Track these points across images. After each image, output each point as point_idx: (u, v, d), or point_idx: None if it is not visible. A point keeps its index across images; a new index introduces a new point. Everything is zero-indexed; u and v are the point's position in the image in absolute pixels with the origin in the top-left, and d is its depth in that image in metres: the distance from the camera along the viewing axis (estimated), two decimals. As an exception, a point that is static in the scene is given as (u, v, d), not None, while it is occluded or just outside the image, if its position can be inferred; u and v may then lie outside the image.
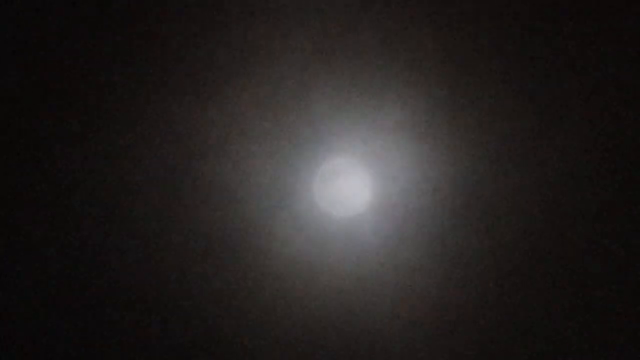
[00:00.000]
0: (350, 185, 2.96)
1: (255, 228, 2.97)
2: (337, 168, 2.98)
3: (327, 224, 2.94)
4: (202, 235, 2.97)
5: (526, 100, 2.88)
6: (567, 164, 2.88)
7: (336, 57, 3.02)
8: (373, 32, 3.00)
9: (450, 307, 2.90)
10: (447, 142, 2.94)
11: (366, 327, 2.91)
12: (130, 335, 2.95)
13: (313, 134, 2.99)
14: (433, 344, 2.89)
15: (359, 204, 2.93)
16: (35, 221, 3.01)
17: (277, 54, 3.02)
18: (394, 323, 2.91)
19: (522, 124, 2.90)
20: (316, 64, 3.01)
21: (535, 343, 2.88)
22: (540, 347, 2.86)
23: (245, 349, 2.94)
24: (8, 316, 2.99)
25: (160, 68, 3.02)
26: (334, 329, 2.91)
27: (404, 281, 2.93)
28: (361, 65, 3.01)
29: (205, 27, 3.01)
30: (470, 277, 2.89)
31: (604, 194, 2.85)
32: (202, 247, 2.97)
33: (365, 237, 2.92)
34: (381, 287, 2.94)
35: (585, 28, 2.82)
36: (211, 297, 2.99)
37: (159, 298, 2.97)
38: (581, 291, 2.86)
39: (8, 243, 3.00)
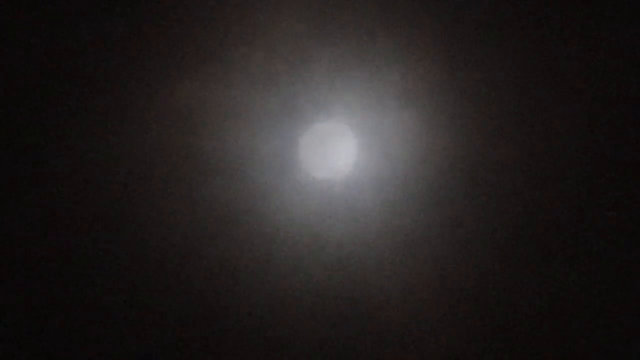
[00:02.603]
0: (345, 153, 3.04)
1: (256, 198, 3.04)
2: (331, 136, 3.07)
3: (326, 192, 3.04)
4: (203, 209, 3.06)
5: (523, 72, 2.97)
6: (563, 138, 2.96)
7: (331, 28, 3.10)
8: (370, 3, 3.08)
9: (448, 274, 2.99)
10: (441, 112, 3.03)
11: (364, 294, 3.00)
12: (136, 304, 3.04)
13: (309, 103, 3.07)
14: (430, 311, 2.97)
15: (355, 171, 3.04)
16: (30, 206, 3.07)
17: (272, 24, 3.10)
18: (392, 289, 2.99)
19: (518, 97, 2.99)
20: (311, 36, 3.09)
21: (536, 311, 2.96)
22: (542, 317, 2.95)
23: (242, 317, 3.04)
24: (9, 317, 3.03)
25: (152, 44, 3.09)
26: (332, 297, 3.00)
27: (400, 247, 3.03)
28: (357, 34, 3.10)
29: (200, 3, 3.08)
30: (465, 245, 2.97)
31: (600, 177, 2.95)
32: (202, 221, 3.05)
33: (362, 202, 3.01)
34: (379, 252, 3.04)
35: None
36: (213, 266, 3.07)
37: (163, 263, 3.05)
38: (581, 262, 2.94)
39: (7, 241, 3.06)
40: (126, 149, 3.10)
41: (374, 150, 3.06)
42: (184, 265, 3.06)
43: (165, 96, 3.10)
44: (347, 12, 3.10)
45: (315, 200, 3.05)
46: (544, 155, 2.94)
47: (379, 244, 3.04)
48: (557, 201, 2.95)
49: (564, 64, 2.98)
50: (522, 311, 2.92)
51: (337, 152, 3.08)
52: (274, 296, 3.08)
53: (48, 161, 3.09)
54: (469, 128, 3.02)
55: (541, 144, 2.94)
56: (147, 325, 3.05)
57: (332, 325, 3.00)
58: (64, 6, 3.11)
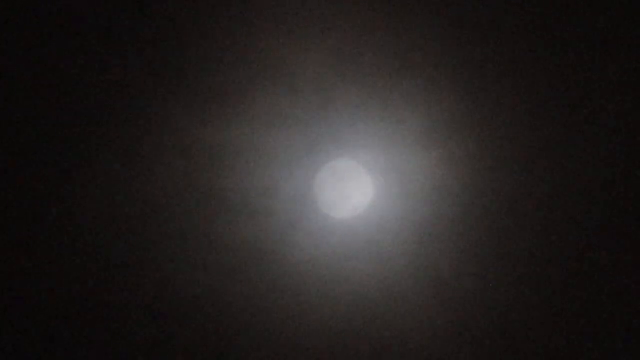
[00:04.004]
0: (367, 192, 3.00)
1: (277, 238, 3.04)
2: (352, 175, 3.04)
3: (345, 233, 3.03)
4: (217, 246, 3.04)
5: (536, 111, 2.95)
6: (573, 178, 2.92)
7: (352, 68, 3.07)
8: (388, 43, 3.05)
9: (472, 315, 2.99)
10: (462, 151, 3.01)
11: (385, 336, 3.02)
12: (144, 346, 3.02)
13: (330, 143, 3.04)
14: (437, 347, 2.96)
15: (376, 211, 3.01)
16: (39, 238, 3.05)
17: (293, 64, 3.06)
18: (415, 331, 3.00)
19: (530, 134, 2.97)
20: (332, 76, 3.06)
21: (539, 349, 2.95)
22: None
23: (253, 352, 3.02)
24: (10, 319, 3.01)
25: (175, 84, 3.05)
26: (346, 333, 2.99)
27: (423, 289, 3.02)
28: (378, 74, 3.07)
29: (220, 36, 3.04)
30: (475, 284, 2.96)
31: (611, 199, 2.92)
32: (224, 261, 3.04)
33: (383, 242, 2.99)
34: (402, 294, 3.02)
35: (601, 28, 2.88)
36: (236, 305, 3.07)
37: (172, 306, 3.05)
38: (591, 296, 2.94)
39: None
40: (148, 190, 3.08)
41: (395, 189, 3.04)
42: (206, 305, 3.07)
43: (187, 136, 3.07)
44: (368, 53, 3.07)
45: (336, 240, 3.03)
46: (568, 192, 2.92)
47: (401, 285, 3.03)
48: (580, 244, 2.94)
49: (583, 98, 2.96)
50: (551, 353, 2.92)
51: (358, 191, 3.04)
52: (296, 335, 3.06)
53: (68, 199, 3.08)
54: (489, 166, 3.00)
55: (565, 181, 2.92)
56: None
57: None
58: (86, 43, 3.08)
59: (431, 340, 3.04)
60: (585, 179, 2.91)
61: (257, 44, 3.05)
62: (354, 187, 3.05)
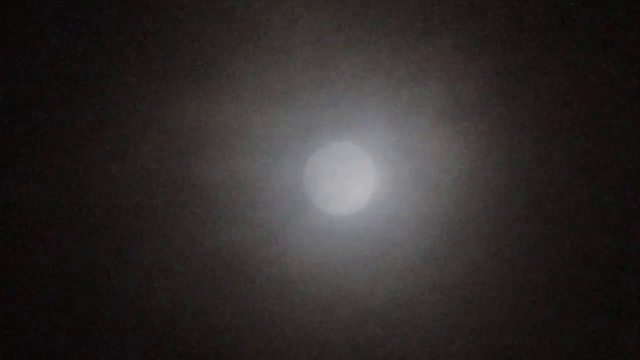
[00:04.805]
0: (367, 186, 2.90)
1: (261, 238, 2.91)
2: (351, 164, 2.90)
3: (344, 232, 2.91)
4: (194, 249, 2.92)
5: (538, 105, 2.84)
6: (574, 178, 2.88)
7: (354, 36, 2.82)
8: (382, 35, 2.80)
9: (479, 321, 2.95)
10: (479, 134, 2.87)
11: (372, 331, 2.95)
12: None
13: (326, 127, 2.89)
14: (436, 347, 2.95)
15: (378, 207, 2.90)
16: (21, 234, 2.94)
17: (284, 29, 2.83)
18: (398, 327, 2.95)
19: (532, 126, 2.86)
20: (331, 44, 2.83)
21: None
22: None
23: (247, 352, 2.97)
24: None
25: (137, 46, 2.85)
26: (339, 331, 2.95)
27: (408, 283, 2.94)
28: (384, 43, 2.83)
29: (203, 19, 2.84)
30: (473, 281, 2.92)
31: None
32: (193, 261, 2.93)
33: (382, 243, 2.92)
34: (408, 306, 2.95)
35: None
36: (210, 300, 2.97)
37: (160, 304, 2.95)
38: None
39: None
40: (113, 181, 2.90)
41: (405, 181, 2.89)
42: (182, 321, 2.96)
43: (157, 118, 2.88)
44: (375, 15, 2.81)
45: (334, 241, 2.91)
46: (574, 195, 2.88)
47: (412, 298, 2.94)
48: (569, 245, 2.90)
49: (583, 96, 2.83)
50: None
51: (360, 183, 2.89)
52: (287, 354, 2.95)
53: (25, 191, 2.91)
54: (513, 151, 2.88)
55: (574, 183, 2.87)
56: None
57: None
58: (45, 27, 2.85)
59: (435, 348, 2.97)
60: (600, 168, 2.87)
61: (240, 3, 2.82)
62: (355, 178, 2.90)
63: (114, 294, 2.93)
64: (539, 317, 2.93)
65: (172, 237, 2.89)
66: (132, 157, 2.87)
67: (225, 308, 2.93)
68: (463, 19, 2.80)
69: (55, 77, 2.86)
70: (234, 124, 2.87)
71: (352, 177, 2.89)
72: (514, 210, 2.87)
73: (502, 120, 2.86)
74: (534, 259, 2.90)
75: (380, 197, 2.88)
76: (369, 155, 2.87)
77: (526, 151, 2.86)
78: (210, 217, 2.88)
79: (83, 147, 2.87)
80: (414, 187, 2.87)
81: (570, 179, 2.87)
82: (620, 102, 2.83)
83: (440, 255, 2.90)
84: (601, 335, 2.91)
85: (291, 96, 2.86)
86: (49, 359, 2.97)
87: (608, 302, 2.91)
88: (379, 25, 2.81)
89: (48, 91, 2.88)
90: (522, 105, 2.86)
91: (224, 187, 2.88)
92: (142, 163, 2.87)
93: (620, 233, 2.87)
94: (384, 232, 2.89)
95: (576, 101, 2.84)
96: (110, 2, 2.83)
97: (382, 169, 2.88)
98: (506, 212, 2.87)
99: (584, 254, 2.91)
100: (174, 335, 2.97)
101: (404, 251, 2.89)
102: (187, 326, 2.96)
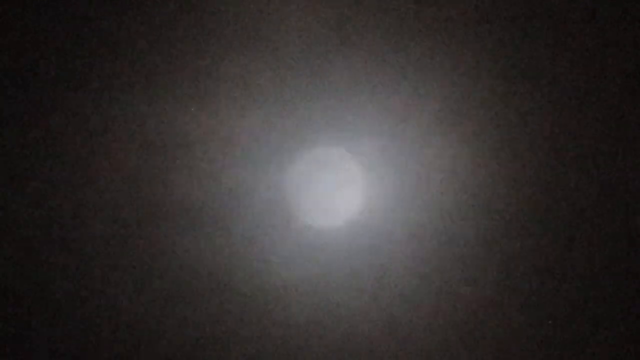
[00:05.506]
0: (357, 196, 2.85)
1: (240, 254, 2.82)
2: (339, 173, 2.86)
3: (331, 247, 2.84)
4: (166, 264, 2.82)
5: (527, 109, 2.88)
6: (565, 178, 2.87)
7: (348, 36, 2.87)
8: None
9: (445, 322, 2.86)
10: (476, 141, 2.87)
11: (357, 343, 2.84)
12: None
13: (314, 133, 2.86)
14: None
15: (369, 220, 2.84)
16: None
17: (272, 28, 2.87)
18: (388, 337, 2.84)
19: (528, 134, 2.88)
20: (322, 45, 2.87)
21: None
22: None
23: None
24: None
25: (106, 43, 2.85)
26: (325, 348, 2.82)
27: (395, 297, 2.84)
28: (379, 44, 2.88)
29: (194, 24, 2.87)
30: (467, 294, 2.86)
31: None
32: (164, 278, 2.82)
33: (375, 259, 2.86)
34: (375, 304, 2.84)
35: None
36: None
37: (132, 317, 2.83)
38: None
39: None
40: (80, 190, 2.83)
41: (398, 191, 2.85)
42: (150, 343, 2.82)
43: (128, 123, 2.83)
44: (372, 14, 2.87)
45: (321, 256, 2.81)
46: (559, 208, 2.86)
47: (407, 321, 2.82)
48: (564, 247, 2.87)
49: (576, 94, 2.89)
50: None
51: (349, 194, 2.84)
52: None
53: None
54: (512, 160, 2.86)
55: (571, 193, 2.86)
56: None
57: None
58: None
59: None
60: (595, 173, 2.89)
61: (226, 5, 2.88)
62: (346, 187, 2.85)
63: (92, 308, 2.83)
64: (538, 335, 2.86)
65: (152, 250, 2.80)
66: (111, 167, 2.82)
67: (207, 324, 2.81)
68: (458, 19, 2.86)
69: (28, 84, 2.85)
70: (220, 131, 2.85)
71: (343, 186, 2.85)
72: (509, 220, 2.84)
73: (498, 126, 2.86)
74: (530, 270, 2.85)
75: (373, 207, 2.84)
76: (361, 163, 2.84)
77: (522, 160, 2.85)
78: (191, 229, 2.81)
79: (60, 156, 2.82)
80: (407, 197, 2.84)
81: (568, 187, 2.85)
82: (612, 102, 2.86)
83: (435, 269, 2.83)
84: (600, 340, 2.84)
85: (280, 101, 2.85)
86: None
87: (606, 316, 2.86)
88: (372, 25, 2.86)
89: (15, 102, 2.85)
90: (519, 112, 2.87)
91: (206, 197, 2.82)
92: (121, 173, 2.82)
93: (620, 242, 2.85)
94: (375, 245, 2.82)
95: (571, 109, 2.85)
96: (85, 9, 2.86)
97: (374, 178, 2.84)
98: (501, 222, 2.84)
99: (581, 265, 2.86)
100: (152, 349, 2.83)
101: (395, 265, 2.82)
102: (166, 341, 2.83)
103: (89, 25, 2.85)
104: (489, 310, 2.84)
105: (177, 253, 2.80)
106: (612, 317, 2.87)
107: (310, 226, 2.81)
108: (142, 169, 2.83)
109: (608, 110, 2.88)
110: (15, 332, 2.81)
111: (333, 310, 2.81)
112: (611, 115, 2.88)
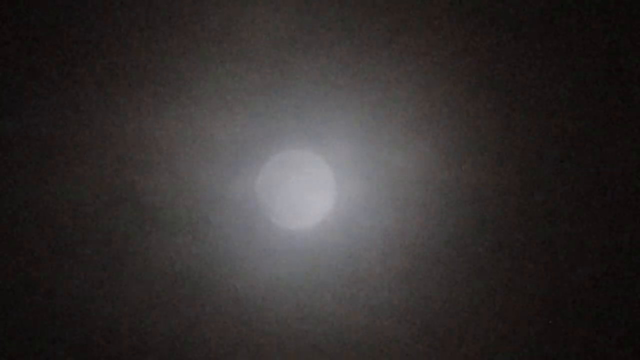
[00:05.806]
0: (328, 197, 2.85)
1: (212, 256, 2.83)
2: (310, 175, 2.86)
3: (303, 249, 2.85)
4: (139, 267, 2.83)
5: (501, 113, 2.87)
6: (539, 180, 2.86)
7: (314, 37, 2.85)
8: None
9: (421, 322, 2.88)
10: (449, 142, 2.86)
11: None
12: None
13: (284, 134, 2.86)
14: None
15: (340, 221, 2.85)
16: None
17: (241, 29, 2.85)
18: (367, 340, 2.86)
19: (508, 136, 2.87)
20: (290, 44, 2.85)
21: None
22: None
23: None
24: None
25: (81, 47, 2.84)
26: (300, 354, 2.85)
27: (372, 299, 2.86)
28: (348, 45, 2.85)
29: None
30: (444, 298, 2.87)
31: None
32: (136, 281, 2.84)
33: (347, 260, 2.86)
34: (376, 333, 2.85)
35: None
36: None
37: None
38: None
39: None
40: (55, 193, 2.82)
41: (368, 192, 2.84)
42: (121, 348, 2.85)
43: (100, 125, 2.83)
44: (338, 15, 2.85)
45: (293, 258, 2.83)
46: (535, 210, 2.85)
47: (384, 326, 2.83)
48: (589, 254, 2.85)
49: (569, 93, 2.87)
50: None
51: (320, 195, 2.84)
52: None
53: None
54: (486, 160, 2.85)
55: (534, 198, 2.86)
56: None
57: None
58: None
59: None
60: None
61: (196, 7, 2.86)
62: (316, 190, 2.85)
63: (56, 313, 2.83)
64: (520, 339, 2.85)
65: (118, 252, 2.80)
66: (81, 167, 2.81)
67: (174, 329, 2.82)
68: (432, 18, 2.82)
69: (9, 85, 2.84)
70: (189, 132, 2.83)
71: (314, 189, 2.83)
72: (481, 222, 2.83)
73: (475, 129, 2.84)
74: (502, 271, 2.85)
75: (344, 210, 2.82)
76: (332, 165, 2.83)
77: (495, 163, 2.84)
78: (159, 231, 2.81)
79: (35, 157, 2.81)
80: (378, 199, 2.83)
81: (545, 190, 2.84)
82: (603, 103, 2.83)
83: (409, 273, 2.82)
84: (601, 341, 2.84)
85: (249, 102, 2.83)
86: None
87: (605, 315, 2.85)
88: (343, 26, 2.83)
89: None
90: (497, 113, 2.84)
91: (175, 199, 2.81)
92: (89, 174, 2.81)
93: (617, 244, 2.83)
94: (348, 247, 2.82)
95: (560, 113, 2.83)
96: (60, 12, 2.84)
97: (345, 180, 2.83)
98: (473, 224, 2.84)
99: (564, 278, 2.86)
100: (121, 357, 2.84)
101: (367, 269, 2.81)
102: (134, 348, 2.84)
103: (68, 25, 2.84)
104: (465, 312, 2.83)
105: (144, 255, 2.79)
106: (612, 317, 2.85)
107: (281, 228, 2.80)
108: (101, 167, 2.81)
109: (584, 111, 2.84)
110: (13, 332, 2.82)
111: (307, 312, 2.81)
112: (589, 117, 2.84)
